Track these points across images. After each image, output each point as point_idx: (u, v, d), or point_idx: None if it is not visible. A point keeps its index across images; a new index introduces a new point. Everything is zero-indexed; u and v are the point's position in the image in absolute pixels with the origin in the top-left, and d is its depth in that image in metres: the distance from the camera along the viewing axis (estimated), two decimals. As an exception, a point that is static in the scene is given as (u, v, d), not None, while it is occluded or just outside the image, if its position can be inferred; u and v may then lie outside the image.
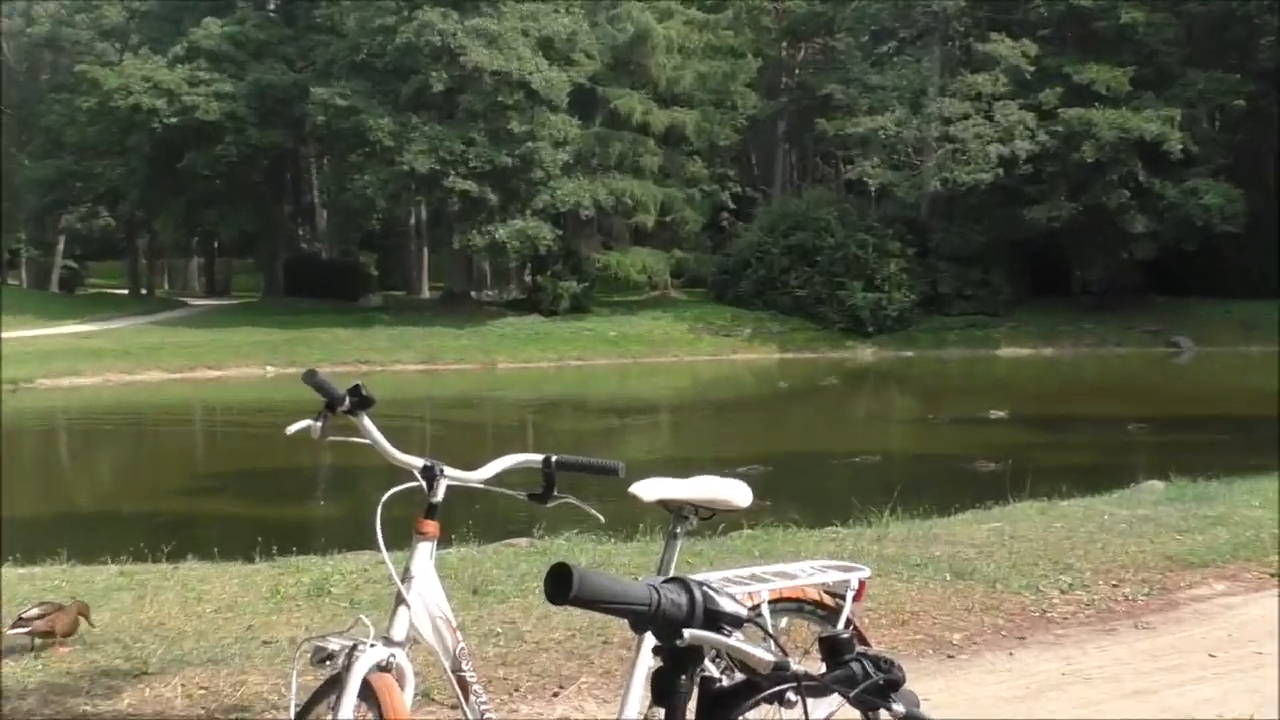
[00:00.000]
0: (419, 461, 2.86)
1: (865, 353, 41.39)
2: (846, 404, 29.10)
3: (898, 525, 8.44)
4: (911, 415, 25.67)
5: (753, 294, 44.33)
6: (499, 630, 5.44)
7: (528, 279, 47.50)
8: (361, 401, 2.78)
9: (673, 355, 39.84)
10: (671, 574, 2.91)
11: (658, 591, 1.49)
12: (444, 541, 7.83)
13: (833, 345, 41.57)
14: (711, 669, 1.56)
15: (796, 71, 53.53)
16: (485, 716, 2.81)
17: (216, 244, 55.35)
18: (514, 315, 42.90)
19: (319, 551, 8.02)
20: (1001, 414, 22.57)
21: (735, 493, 3.08)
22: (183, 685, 4.63)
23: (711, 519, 3.12)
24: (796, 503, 13.13)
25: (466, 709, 2.80)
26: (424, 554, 2.81)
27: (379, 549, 2.71)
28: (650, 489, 2.99)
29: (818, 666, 1.54)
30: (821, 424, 24.23)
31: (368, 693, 2.55)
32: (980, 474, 15.42)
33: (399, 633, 2.72)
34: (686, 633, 1.47)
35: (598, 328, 41.66)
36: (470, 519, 9.75)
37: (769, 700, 1.53)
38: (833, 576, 3.01)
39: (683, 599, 1.49)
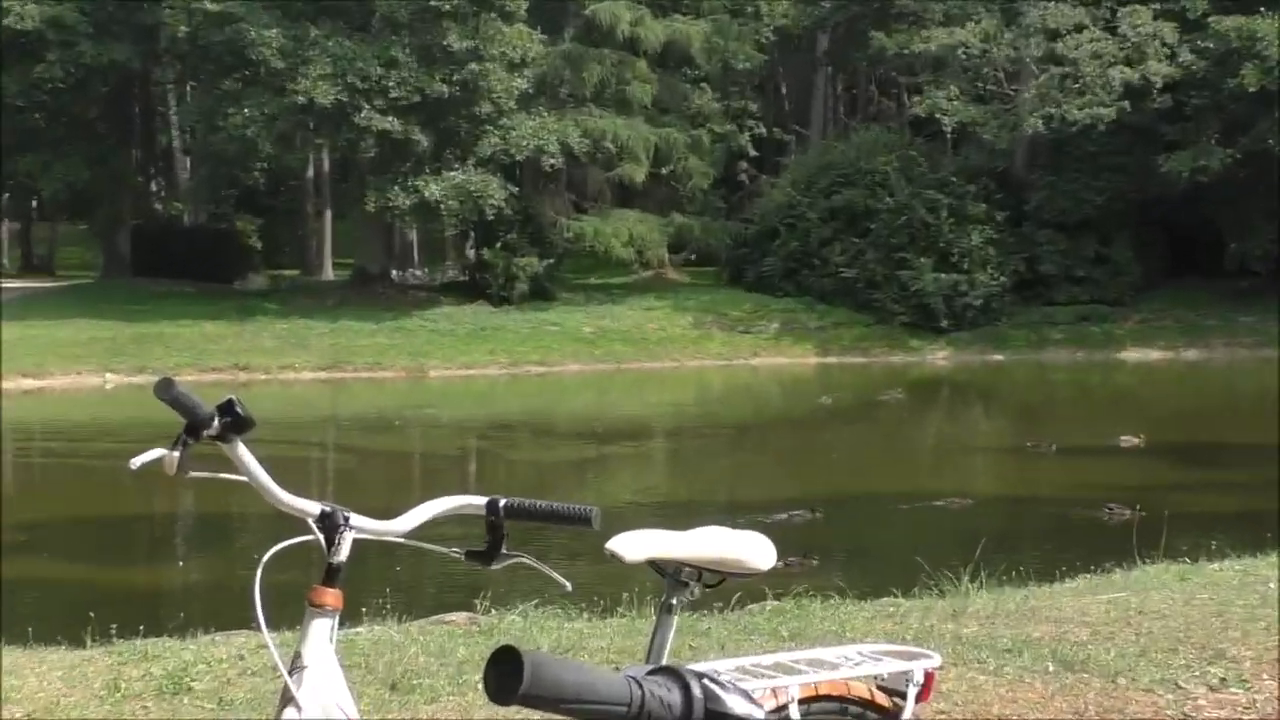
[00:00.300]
0: (315, 507, 2.86)
1: (937, 356, 41.52)
2: (913, 427, 29.18)
3: (982, 596, 8.44)
4: (1004, 442, 25.73)
5: (782, 275, 44.50)
6: (426, 741, 5.42)
7: (470, 254, 47.46)
8: (236, 423, 2.76)
9: (671, 359, 39.91)
10: (664, 662, 2.88)
11: (640, 686, 1.48)
12: (351, 616, 7.84)
13: (892, 345, 41.72)
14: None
15: (844, -34, 53.57)
16: None
17: (35, 203, 55.19)
18: (451, 304, 42.95)
19: (176, 631, 7.98)
20: (1135, 440, 22.70)
21: (753, 550, 3.09)
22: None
23: (720, 586, 3.11)
24: (842, 564, 13.15)
25: None
26: (321, 634, 2.80)
27: (258, 627, 2.68)
28: (636, 545, 3.00)
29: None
30: (879, 455, 24.29)
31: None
32: (1102, 524, 15.55)
33: (284, 744, 2.72)
34: (680, 743, 1.45)
35: (567, 321, 41.72)
36: (388, 586, 9.71)
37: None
38: (889, 666, 3.00)
39: (675, 696, 1.48)
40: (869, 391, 33.95)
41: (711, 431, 27.56)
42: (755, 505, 16.88)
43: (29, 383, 33.34)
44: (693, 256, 49.87)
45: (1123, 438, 22.84)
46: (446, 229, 45.87)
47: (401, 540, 2.87)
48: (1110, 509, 16.15)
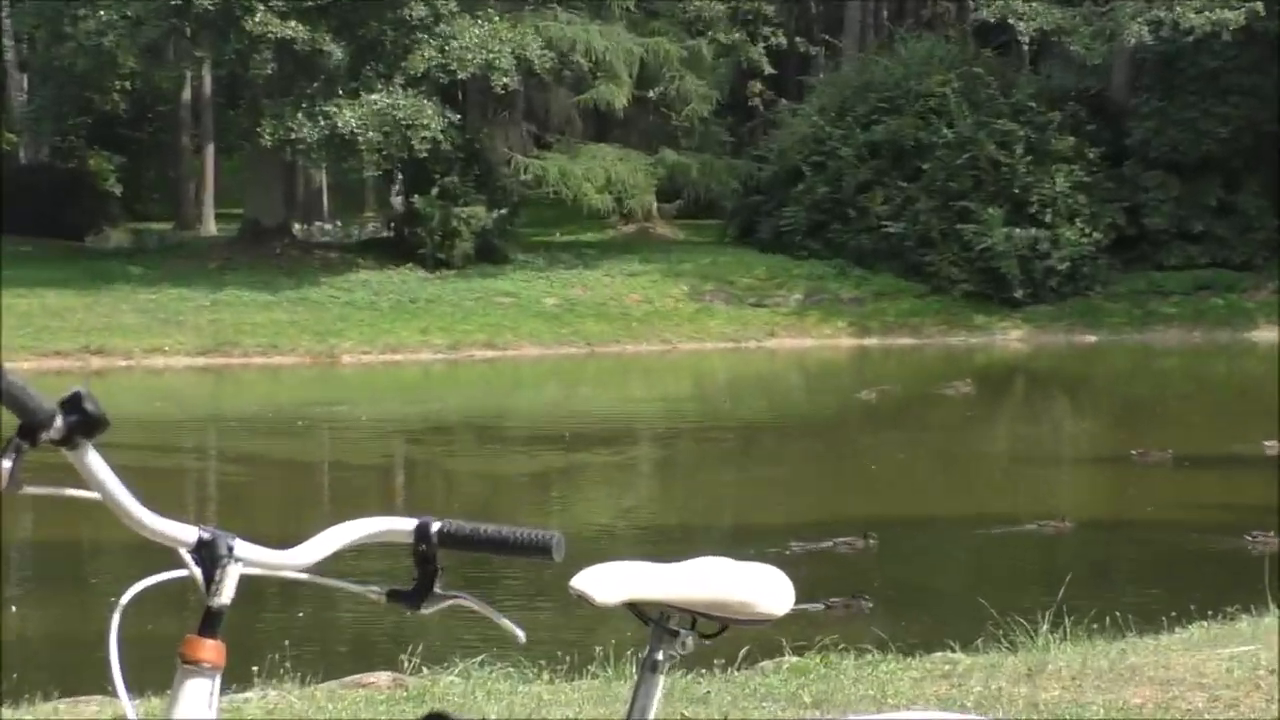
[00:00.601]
0: (190, 532, 2.79)
1: (1010, 336, 41.66)
2: (984, 429, 29.27)
3: (1066, 650, 8.49)
4: (1102, 449, 25.78)
5: (806, 230, 44.51)
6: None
7: (397, 202, 47.31)
8: (85, 423, 2.73)
9: (660, 340, 39.97)
10: (649, 735, 2.84)
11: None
12: (238, 676, 7.77)
13: (952, 323, 41.87)
14: None
15: None
16: None
17: None
18: (371, 268, 42.91)
19: (8, 698, 7.97)
20: (1277, 446, 22.78)
21: (764, 589, 3.05)
22: None
23: (719, 637, 3.08)
24: (886, 608, 13.27)
25: None
26: (198, 699, 2.73)
27: (115, 691, 2.60)
28: (610, 582, 2.95)
29: None
30: (942, 466, 24.39)
31: None
32: (1226, 557, 15.59)
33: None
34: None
35: (524, 291, 41.76)
36: (288, 637, 9.69)
37: None
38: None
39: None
40: (923, 382, 33.94)
41: (715, 434, 27.63)
42: (779, 531, 16.99)
43: None
44: (689, 206, 49.67)
45: (1266, 443, 22.80)
46: (366, 169, 45.65)
47: (304, 577, 2.79)
48: (1254, 537, 16.16)
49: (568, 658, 8.59)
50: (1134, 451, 23.48)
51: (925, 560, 17.06)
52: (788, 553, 15.13)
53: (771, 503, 20.99)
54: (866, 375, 34.81)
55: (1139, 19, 42.08)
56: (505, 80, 42.56)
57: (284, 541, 2.75)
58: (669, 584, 2.98)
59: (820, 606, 12.85)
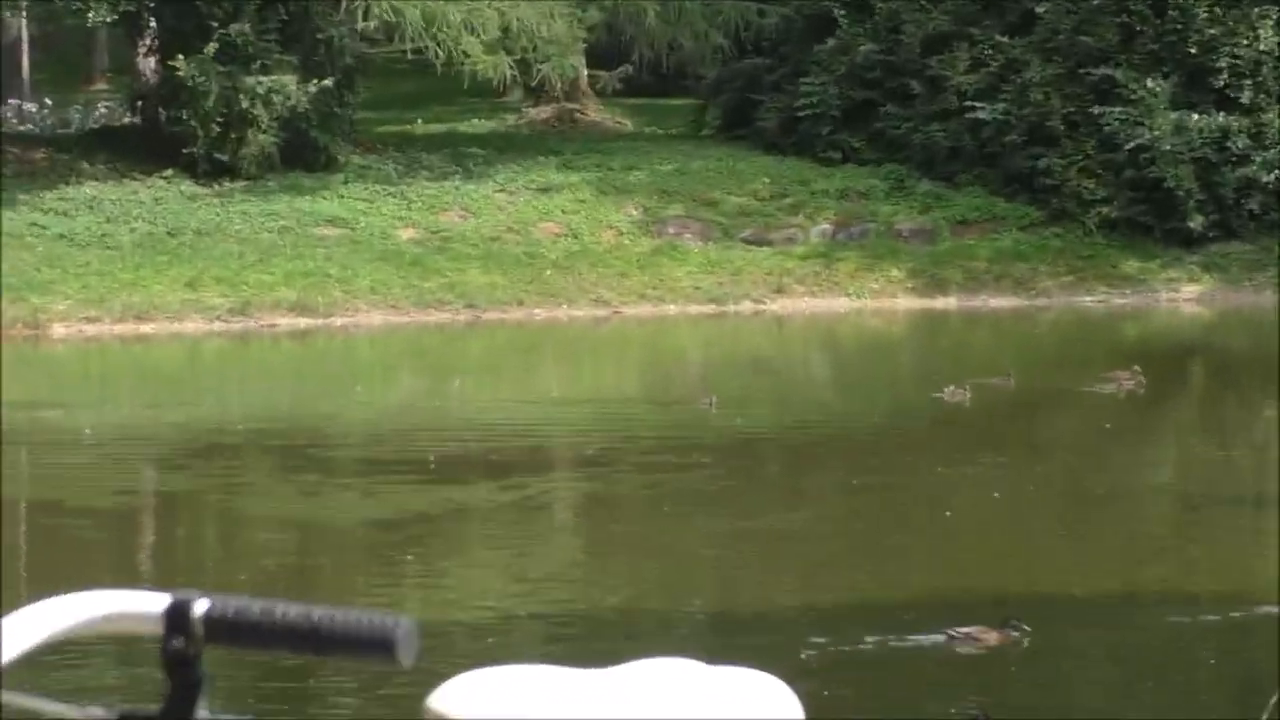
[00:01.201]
0: None
1: (1181, 294, 42.46)
2: (1167, 454, 29.63)
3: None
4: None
5: (839, 119, 45.30)
6: None
7: (146, 68, 47.26)
8: None
9: (594, 300, 40.81)
10: None
11: None
12: None
13: (1084, 272, 42.72)
14: None
15: None
16: None
17: None
18: (102, 179, 43.71)
19: None
20: None
21: (747, 708, 3.12)
22: None
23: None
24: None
25: None
26: None
27: None
28: (491, 700, 3.04)
29: None
30: (1100, 516, 24.34)
31: None
32: None
33: None
34: None
35: (365, 218, 42.72)
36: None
37: None
38: None
39: None
40: (1049, 371, 34.41)
41: (685, 457, 28.02)
42: (795, 617, 17.52)
43: None
44: (643, 76, 49.87)
45: None
46: (94, 12, 45.53)
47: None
48: None
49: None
50: None
51: (1075, 661, 17.21)
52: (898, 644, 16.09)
53: (787, 572, 21.22)
54: (944, 358, 35.00)
55: None
56: None
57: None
58: (591, 701, 3.06)
59: None
